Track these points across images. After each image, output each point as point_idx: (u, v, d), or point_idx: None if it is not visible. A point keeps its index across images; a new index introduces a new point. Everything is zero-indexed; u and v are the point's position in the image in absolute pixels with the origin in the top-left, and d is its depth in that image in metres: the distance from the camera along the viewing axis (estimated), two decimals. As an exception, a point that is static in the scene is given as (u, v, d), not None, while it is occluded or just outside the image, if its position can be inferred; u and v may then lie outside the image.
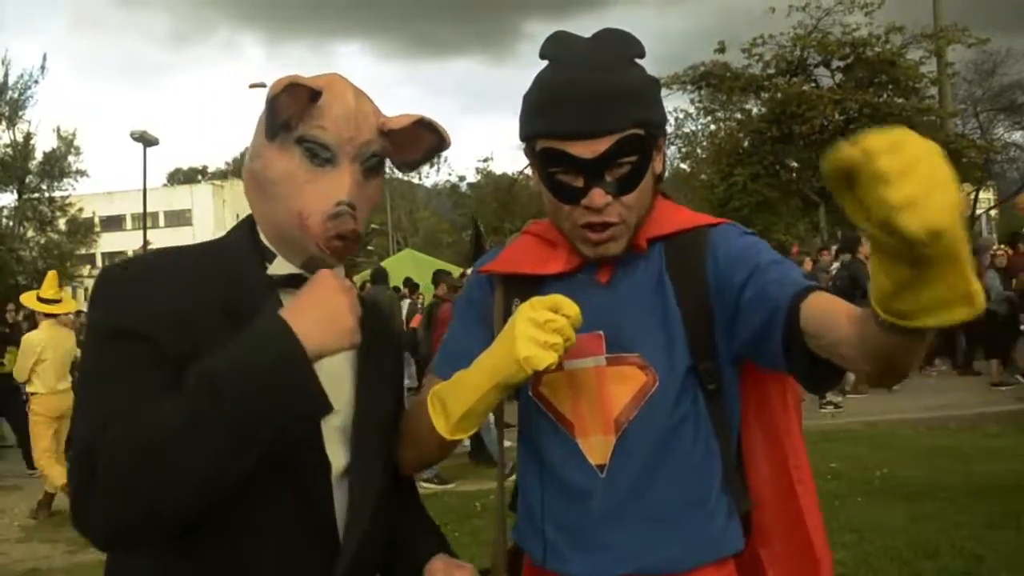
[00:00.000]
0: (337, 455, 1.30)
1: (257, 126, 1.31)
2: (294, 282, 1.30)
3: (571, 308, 1.31)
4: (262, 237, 1.33)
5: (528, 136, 1.48)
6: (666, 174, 1.58)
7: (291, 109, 1.26)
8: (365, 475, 1.32)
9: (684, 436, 1.47)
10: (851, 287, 10.36)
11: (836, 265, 11.62)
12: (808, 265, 11.87)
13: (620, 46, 1.47)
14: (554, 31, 1.53)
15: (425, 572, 1.39)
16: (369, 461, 1.34)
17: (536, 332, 1.29)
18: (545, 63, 1.49)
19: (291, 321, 1.15)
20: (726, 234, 1.51)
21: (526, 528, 1.59)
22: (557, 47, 1.49)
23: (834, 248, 12.63)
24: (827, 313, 1.25)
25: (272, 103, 1.24)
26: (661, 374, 1.46)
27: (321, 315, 1.18)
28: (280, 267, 1.32)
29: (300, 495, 1.24)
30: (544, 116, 1.44)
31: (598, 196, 1.42)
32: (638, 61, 1.48)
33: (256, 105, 1.34)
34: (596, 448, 1.48)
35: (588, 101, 1.40)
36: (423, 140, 1.40)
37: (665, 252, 1.52)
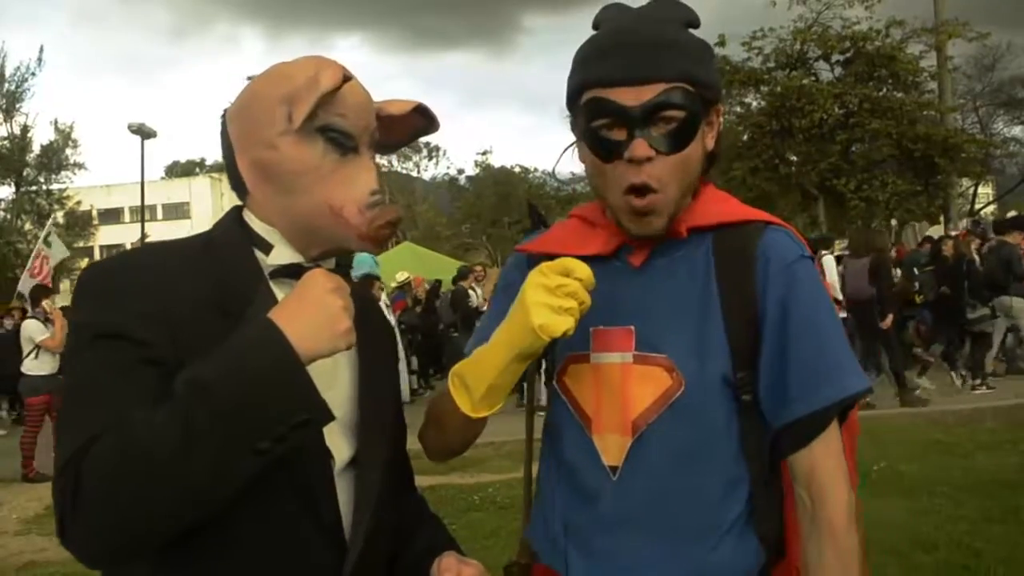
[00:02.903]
0: (339, 448, 1.27)
1: (259, 114, 1.26)
2: (291, 272, 1.28)
3: (583, 270, 1.28)
4: (255, 228, 1.30)
5: (574, 89, 1.42)
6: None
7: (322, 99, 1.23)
8: (369, 467, 1.30)
9: (707, 451, 1.39)
10: (1005, 271, 10.28)
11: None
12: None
13: (672, 10, 1.41)
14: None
15: (435, 568, 1.37)
16: (372, 453, 1.31)
17: (548, 298, 1.27)
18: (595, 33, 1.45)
19: (283, 325, 1.10)
20: (780, 245, 1.41)
21: (537, 523, 1.54)
22: (608, 12, 1.46)
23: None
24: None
25: (323, 95, 1.21)
26: (688, 380, 1.37)
27: (314, 318, 1.13)
28: (279, 257, 1.28)
29: (301, 490, 1.22)
30: (591, 65, 1.39)
31: (639, 147, 1.34)
32: (691, 31, 1.42)
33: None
34: (611, 448, 1.41)
35: (637, 47, 1.35)
36: (411, 124, 1.38)
37: (714, 246, 1.43)
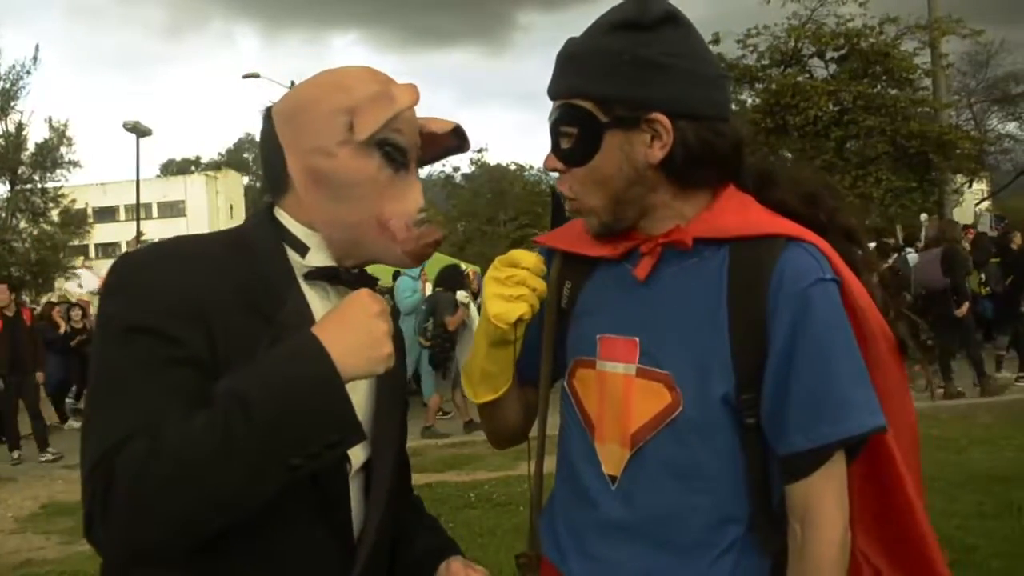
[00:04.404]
0: (355, 452, 1.28)
1: (316, 121, 1.27)
2: (326, 274, 1.29)
3: (528, 260, 1.38)
4: (292, 229, 1.30)
5: None
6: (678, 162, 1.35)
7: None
8: (381, 470, 1.32)
9: (706, 472, 1.36)
10: None
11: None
12: None
13: (615, 11, 1.39)
14: None
15: (442, 571, 1.39)
16: (384, 456, 1.34)
17: (500, 289, 1.37)
18: None
19: (327, 343, 1.11)
20: (797, 266, 1.33)
21: (546, 516, 1.57)
22: None
23: None
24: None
25: (399, 112, 1.25)
26: (686, 400, 1.35)
27: (359, 341, 1.15)
28: (315, 260, 1.29)
29: (319, 494, 1.23)
30: None
31: (547, 159, 1.42)
32: (638, 31, 1.34)
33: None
34: (611, 457, 1.41)
35: (557, 63, 1.41)
36: (446, 142, 1.41)
37: (730, 259, 1.36)
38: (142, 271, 1.20)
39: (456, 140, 1.41)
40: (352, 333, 1.15)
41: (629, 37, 1.34)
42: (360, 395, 1.32)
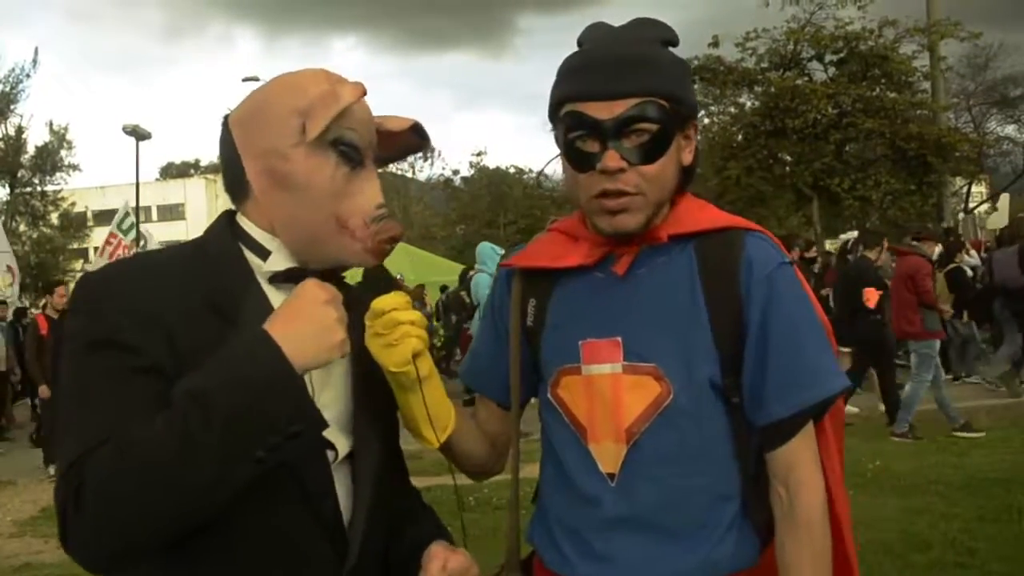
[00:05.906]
0: (337, 443, 1.29)
1: (270, 124, 1.28)
2: (291, 276, 1.29)
3: (389, 302, 1.31)
4: (252, 233, 1.31)
5: (553, 104, 1.48)
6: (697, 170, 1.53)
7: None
8: (365, 461, 1.33)
9: (701, 454, 1.44)
10: None
11: None
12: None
13: (649, 29, 1.48)
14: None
15: (424, 556, 1.38)
16: (368, 447, 1.34)
17: (381, 340, 1.32)
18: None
19: (278, 336, 1.12)
20: (761, 253, 1.46)
21: (538, 527, 1.59)
22: (589, 30, 1.52)
23: None
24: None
25: (343, 108, 1.24)
26: (676, 387, 1.42)
27: (309, 329, 1.16)
28: (276, 263, 1.30)
29: (302, 485, 1.24)
30: (568, 80, 1.46)
31: (611, 158, 1.39)
32: (670, 48, 1.48)
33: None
34: (607, 456, 1.46)
35: (611, 64, 1.41)
36: (405, 141, 1.41)
37: (696, 252, 1.47)
38: (99, 288, 1.22)
39: (416, 138, 1.42)
40: (302, 323, 1.16)
41: (672, 53, 1.48)
42: (337, 387, 1.33)
